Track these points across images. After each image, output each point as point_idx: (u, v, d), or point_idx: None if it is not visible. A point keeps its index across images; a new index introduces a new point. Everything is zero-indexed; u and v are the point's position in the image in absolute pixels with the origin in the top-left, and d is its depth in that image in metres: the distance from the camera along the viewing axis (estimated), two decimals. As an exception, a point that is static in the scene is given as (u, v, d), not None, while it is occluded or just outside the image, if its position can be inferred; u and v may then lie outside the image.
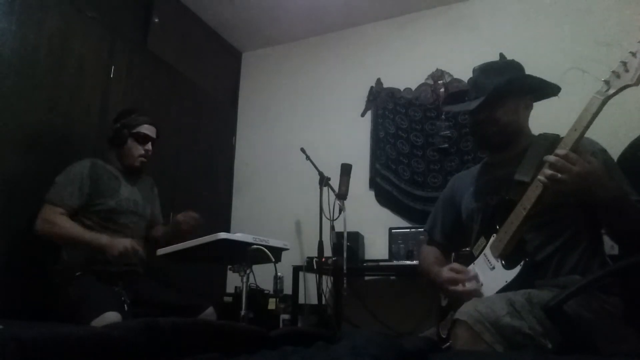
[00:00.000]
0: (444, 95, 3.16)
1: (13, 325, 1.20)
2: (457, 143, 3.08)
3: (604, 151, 1.35)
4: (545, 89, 1.50)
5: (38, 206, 1.93)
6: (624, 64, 1.11)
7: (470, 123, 1.57)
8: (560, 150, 1.15)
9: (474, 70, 1.55)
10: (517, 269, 1.26)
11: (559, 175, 1.13)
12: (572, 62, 2.72)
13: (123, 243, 1.89)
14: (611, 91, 1.12)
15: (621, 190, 1.21)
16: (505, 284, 1.25)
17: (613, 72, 1.13)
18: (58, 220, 1.90)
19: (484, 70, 1.52)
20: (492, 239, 1.37)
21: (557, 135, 1.37)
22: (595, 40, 2.71)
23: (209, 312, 2.09)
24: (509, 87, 1.43)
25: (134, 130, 2.13)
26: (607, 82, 1.13)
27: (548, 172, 1.15)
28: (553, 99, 1.51)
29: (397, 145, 3.24)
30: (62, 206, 1.93)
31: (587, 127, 1.15)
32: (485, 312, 1.12)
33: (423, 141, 3.19)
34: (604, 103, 1.13)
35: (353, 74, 3.52)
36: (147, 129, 2.16)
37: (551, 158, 1.15)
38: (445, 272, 1.40)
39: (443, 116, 3.15)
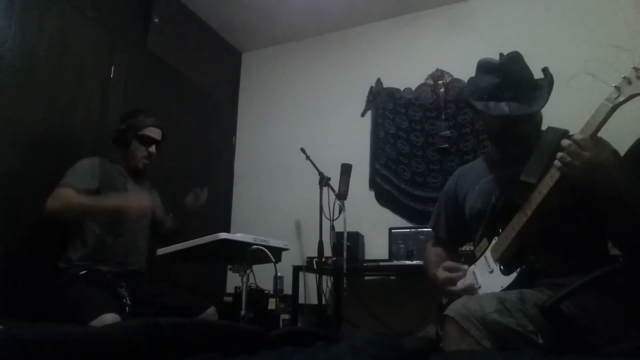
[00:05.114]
0: (444, 95, 3.15)
1: (13, 325, 1.20)
2: (457, 143, 3.08)
3: (615, 152, 1.32)
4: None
5: (38, 206, 1.92)
6: (636, 70, 1.08)
7: (505, 122, 1.38)
8: (577, 135, 1.13)
9: (485, 64, 1.46)
10: (514, 276, 1.25)
11: (569, 159, 1.11)
12: (573, 63, 2.71)
13: (141, 197, 1.92)
14: (621, 98, 1.09)
15: (632, 188, 1.18)
16: (501, 289, 1.25)
17: (624, 78, 1.09)
18: (71, 197, 1.87)
19: (515, 61, 1.42)
20: (493, 242, 1.36)
21: (567, 131, 1.36)
22: (602, 42, 2.69)
23: (211, 312, 2.08)
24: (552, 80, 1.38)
25: (139, 133, 2.12)
26: (617, 89, 1.10)
27: (560, 154, 1.14)
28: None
29: (397, 145, 3.24)
30: (75, 189, 1.90)
31: (594, 134, 1.12)
32: (473, 309, 1.12)
33: (423, 141, 3.19)
34: (612, 110, 1.11)
35: (353, 74, 3.52)
36: (152, 132, 2.15)
37: (565, 142, 1.14)
38: (441, 272, 1.41)
39: (443, 116, 3.14)
